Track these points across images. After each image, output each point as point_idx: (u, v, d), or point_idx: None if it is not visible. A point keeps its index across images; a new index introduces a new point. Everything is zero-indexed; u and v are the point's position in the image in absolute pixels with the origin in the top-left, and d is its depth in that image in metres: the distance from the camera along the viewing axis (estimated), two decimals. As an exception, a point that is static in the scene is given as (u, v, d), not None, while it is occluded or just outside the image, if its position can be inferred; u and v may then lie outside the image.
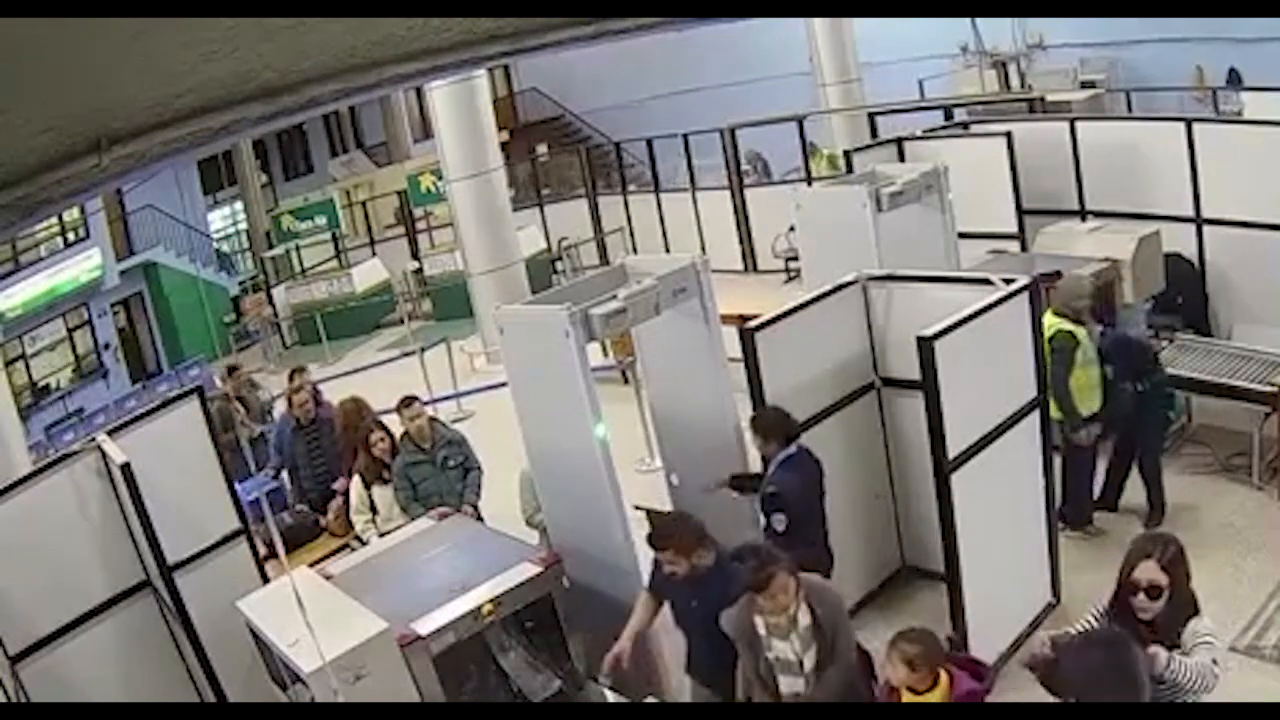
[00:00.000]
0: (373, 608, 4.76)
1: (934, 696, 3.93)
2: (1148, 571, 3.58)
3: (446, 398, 11.84)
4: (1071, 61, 18.70)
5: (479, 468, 6.89)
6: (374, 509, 6.86)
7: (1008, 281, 5.75)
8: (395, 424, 7.08)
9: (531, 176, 19.60)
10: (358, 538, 7.01)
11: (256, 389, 10.09)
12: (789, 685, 4.31)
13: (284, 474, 8.22)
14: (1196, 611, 3.66)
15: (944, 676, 3.93)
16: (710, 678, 4.92)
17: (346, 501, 7.09)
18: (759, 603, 4.23)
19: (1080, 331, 6.53)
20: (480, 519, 6.63)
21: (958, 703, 3.97)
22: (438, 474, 6.70)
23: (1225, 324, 8.84)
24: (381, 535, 6.55)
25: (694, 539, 4.71)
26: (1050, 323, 6.48)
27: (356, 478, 6.93)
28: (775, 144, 16.71)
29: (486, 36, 2.73)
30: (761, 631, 4.29)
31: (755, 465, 5.96)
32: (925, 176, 8.14)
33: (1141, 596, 3.60)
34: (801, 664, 4.26)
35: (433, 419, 7.03)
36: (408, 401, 6.87)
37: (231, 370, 10.26)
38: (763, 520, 5.46)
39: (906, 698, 3.98)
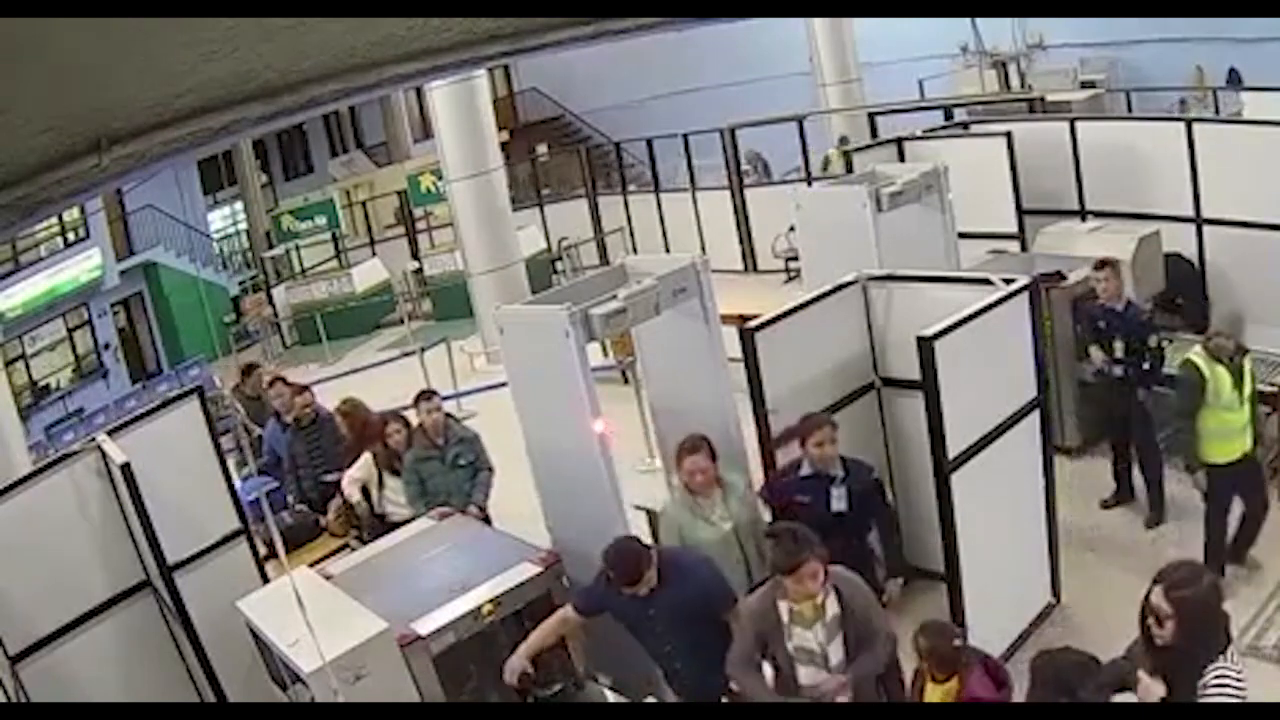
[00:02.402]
0: (373, 608, 4.76)
1: (951, 684, 3.96)
2: (1155, 597, 3.52)
3: (447, 398, 11.80)
4: (1071, 61, 18.71)
5: (490, 468, 6.84)
6: (380, 489, 6.91)
7: (1008, 281, 5.75)
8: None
9: (531, 176, 19.60)
10: (356, 528, 7.03)
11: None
12: (809, 676, 4.25)
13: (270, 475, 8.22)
14: (1222, 653, 3.52)
15: (957, 679, 3.96)
16: (682, 683, 4.87)
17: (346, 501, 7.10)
18: (785, 587, 4.19)
19: (1216, 370, 5.92)
20: (488, 520, 6.61)
21: (959, 703, 3.99)
22: (447, 472, 6.68)
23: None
24: (384, 515, 6.64)
25: (649, 559, 4.59)
26: (1192, 353, 6.08)
27: (368, 456, 6.94)
28: (775, 144, 16.72)
29: (486, 36, 2.73)
30: (784, 619, 4.24)
31: (754, 464, 5.96)
32: (925, 176, 8.14)
33: (1151, 620, 3.55)
34: (825, 656, 4.22)
35: (449, 415, 7.03)
36: (426, 395, 6.88)
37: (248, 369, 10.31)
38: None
39: (929, 688, 4.02)
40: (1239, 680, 3.47)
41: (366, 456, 6.97)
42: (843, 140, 15.72)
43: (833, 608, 4.21)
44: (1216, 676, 3.46)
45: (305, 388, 8.27)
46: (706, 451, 5.27)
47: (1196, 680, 3.49)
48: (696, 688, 4.81)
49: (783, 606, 4.23)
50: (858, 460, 5.55)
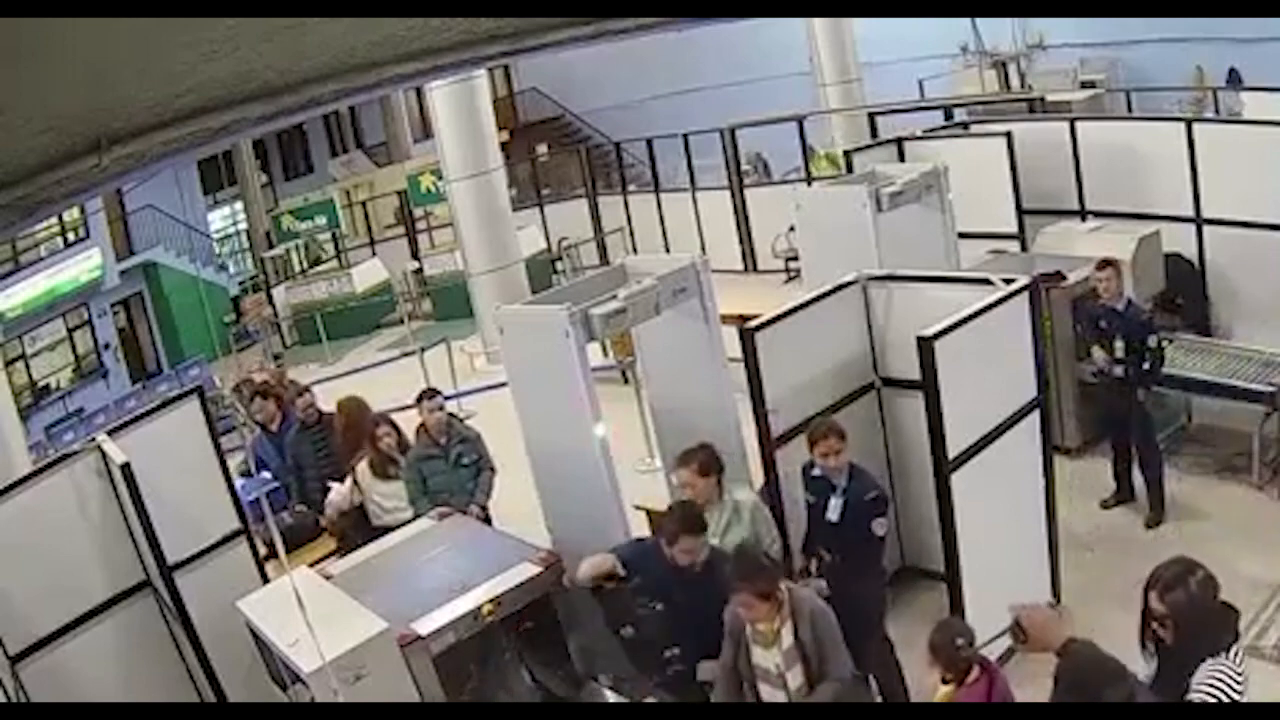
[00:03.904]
0: (373, 608, 4.76)
1: (949, 688, 3.99)
2: (1153, 601, 3.51)
3: (447, 398, 11.80)
4: (1071, 61, 18.70)
5: (492, 468, 6.84)
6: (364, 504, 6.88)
7: (1008, 281, 5.75)
8: (402, 420, 7.10)
9: (531, 176, 19.59)
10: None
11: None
12: (768, 694, 4.29)
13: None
14: (1225, 650, 3.46)
15: (971, 674, 3.99)
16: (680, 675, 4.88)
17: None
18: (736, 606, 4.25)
19: None
20: (489, 520, 6.61)
21: (956, 704, 4.00)
22: (450, 470, 6.68)
23: (1225, 324, 8.84)
24: (383, 527, 6.59)
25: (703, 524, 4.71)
26: None
27: (364, 465, 6.90)
28: (775, 144, 16.71)
29: (486, 36, 2.73)
30: (748, 633, 4.28)
31: (755, 465, 5.96)
32: (925, 176, 8.14)
33: (1155, 624, 3.54)
34: (783, 679, 4.22)
35: (451, 414, 7.03)
36: (429, 394, 6.87)
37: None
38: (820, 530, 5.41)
39: (939, 688, 4.06)
40: (1233, 679, 3.41)
41: (362, 465, 6.93)
42: (810, 148, 15.80)
43: (787, 637, 4.20)
44: (1207, 674, 3.41)
45: (305, 389, 8.27)
46: (696, 467, 5.12)
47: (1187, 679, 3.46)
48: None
49: (748, 624, 4.25)
50: (865, 476, 5.38)
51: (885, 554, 5.39)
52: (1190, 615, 3.45)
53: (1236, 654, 3.47)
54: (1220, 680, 3.40)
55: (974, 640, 4.11)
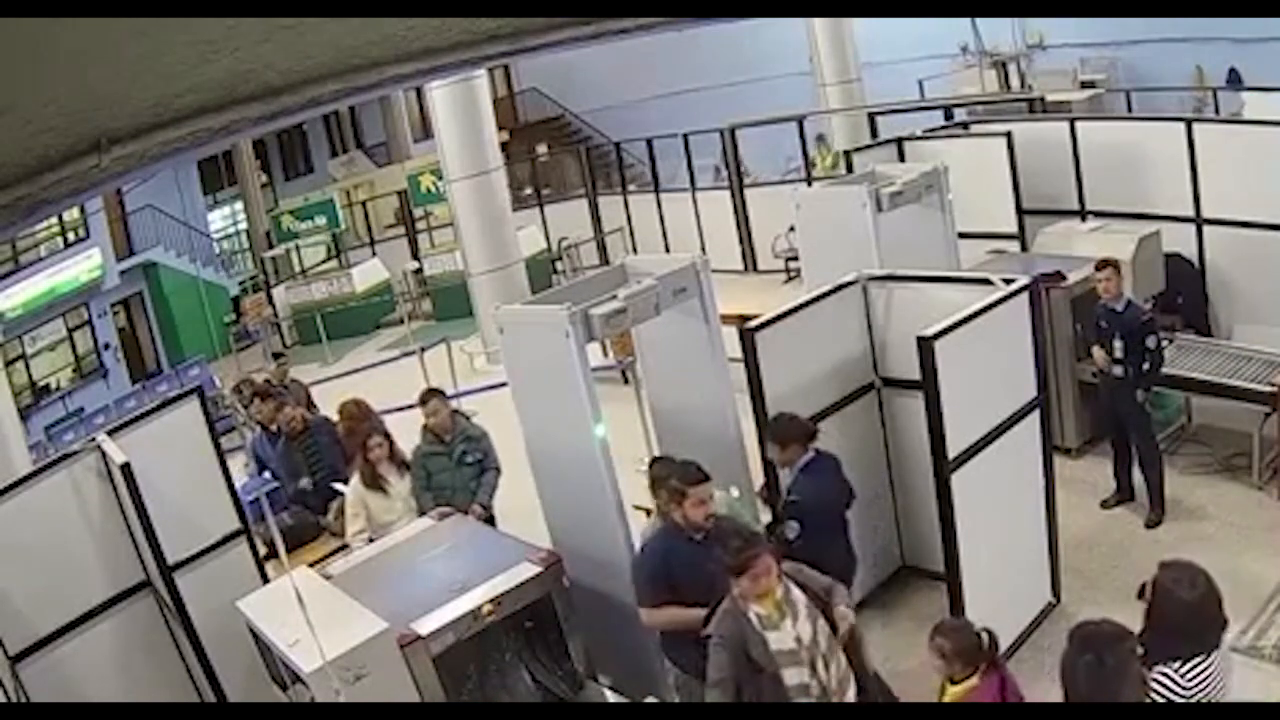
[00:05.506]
0: (373, 608, 4.76)
1: (969, 683, 3.99)
2: (1154, 575, 3.58)
3: (447, 398, 11.82)
4: (1071, 61, 18.69)
5: (497, 468, 6.81)
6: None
7: (1008, 281, 5.75)
8: (398, 422, 7.08)
9: (531, 176, 19.57)
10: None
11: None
12: (794, 677, 4.10)
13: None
14: (1182, 658, 3.49)
15: (977, 676, 3.98)
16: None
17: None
18: (744, 587, 4.07)
19: None
20: (492, 520, 6.60)
21: (958, 703, 4.00)
22: (453, 469, 6.67)
23: (1225, 324, 8.85)
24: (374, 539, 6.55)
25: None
26: None
27: (356, 479, 6.89)
28: (775, 143, 16.70)
29: (486, 36, 2.73)
30: (756, 626, 4.10)
31: (755, 465, 5.96)
32: (925, 176, 8.14)
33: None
34: (815, 648, 4.07)
35: (455, 412, 7.01)
36: (433, 394, 6.87)
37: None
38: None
39: (947, 690, 4.04)
40: (1175, 689, 3.44)
41: (355, 481, 6.85)
42: (820, 138, 15.86)
43: (801, 599, 4.10)
44: (1155, 678, 3.46)
45: (306, 389, 8.27)
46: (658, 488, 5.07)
47: (1146, 668, 3.49)
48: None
49: (751, 614, 4.09)
50: (813, 477, 5.39)
51: (835, 560, 5.14)
52: (1161, 605, 3.53)
53: (1189, 668, 3.47)
54: (1162, 688, 3.46)
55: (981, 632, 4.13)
